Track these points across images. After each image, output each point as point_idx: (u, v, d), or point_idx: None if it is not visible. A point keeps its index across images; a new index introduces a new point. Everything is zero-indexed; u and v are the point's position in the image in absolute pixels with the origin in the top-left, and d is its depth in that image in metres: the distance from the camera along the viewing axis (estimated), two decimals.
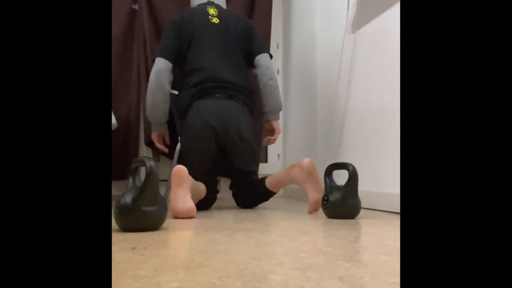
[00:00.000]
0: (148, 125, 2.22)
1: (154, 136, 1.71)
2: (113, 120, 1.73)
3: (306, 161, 1.38)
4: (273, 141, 1.78)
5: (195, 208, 1.26)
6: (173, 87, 1.70)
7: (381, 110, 1.50)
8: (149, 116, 1.65)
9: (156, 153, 2.35)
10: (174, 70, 1.66)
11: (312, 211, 1.37)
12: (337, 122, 1.89)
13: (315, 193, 1.36)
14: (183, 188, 1.27)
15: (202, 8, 1.73)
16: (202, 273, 0.52)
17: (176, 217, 1.25)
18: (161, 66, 1.60)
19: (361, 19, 1.69)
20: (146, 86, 2.22)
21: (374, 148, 1.54)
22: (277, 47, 2.65)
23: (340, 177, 1.72)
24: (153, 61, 1.64)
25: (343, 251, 0.67)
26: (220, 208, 1.70)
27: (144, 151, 2.35)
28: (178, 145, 2.14)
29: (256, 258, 0.61)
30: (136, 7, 2.30)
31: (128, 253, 0.66)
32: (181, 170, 1.27)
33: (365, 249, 0.69)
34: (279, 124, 1.77)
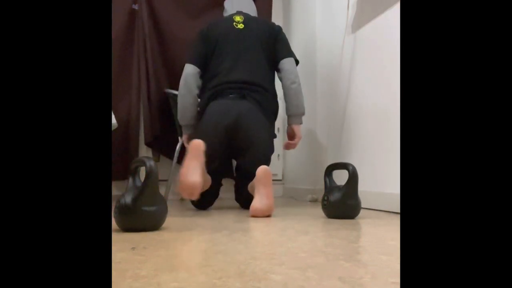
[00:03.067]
0: (148, 125, 2.22)
1: (184, 139, 1.76)
2: (113, 120, 1.73)
3: (260, 168, 1.33)
4: (293, 146, 1.76)
5: (200, 184, 1.27)
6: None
7: (381, 110, 1.50)
8: (179, 119, 1.72)
9: (156, 153, 2.36)
10: (202, 75, 1.72)
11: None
12: (337, 122, 1.89)
13: (259, 202, 1.28)
14: (196, 161, 1.29)
15: (229, 16, 1.79)
16: (202, 273, 0.52)
17: (181, 188, 1.27)
18: (188, 71, 1.69)
19: (361, 19, 1.69)
20: (146, 86, 2.23)
21: (374, 148, 1.54)
22: None
23: (340, 177, 1.72)
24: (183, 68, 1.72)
25: (343, 251, 0.67)
26: (220, 208, 1.70)
27: (144, 151, 2.35)
28: (178, 145, 2.14)
29: (256, 258, 0.61)
30: (136, 7, 2.30)
31: (128, 253, 0.66)
32: (199, 143, 1.30)
33: (365, 249, 0.69)
34: (300, 129, 1.75)
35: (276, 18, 2.65)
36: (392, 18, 1.45)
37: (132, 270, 0.54)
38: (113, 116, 1.72)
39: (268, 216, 1.30)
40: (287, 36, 1.81)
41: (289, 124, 1.75)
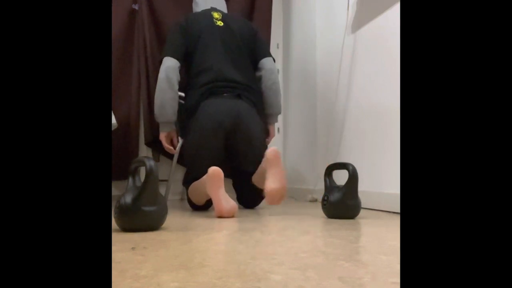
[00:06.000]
0: (148, 125, 2.22)
1: (162, 137, 1.67)
2: (113, 120, 1.73)
3: (269, 149, 1.33)
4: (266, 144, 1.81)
5: (237, 206, 1.29)
6: (179, 89, 1.70)
7: (381, 110, 1.50)
8: (157, 116, 1.62)
9: (156, 153, 2.35)
10: (181, 70, 1.66)
11: (270, 203, 1.30)
12: (337, 122, 1.89)
13: (273, 183, 1.28)
14: (222, 188, 1.29)
15: (206, 12, 1.77)
16: (202, 273, 0.52)
17: (220, 217, 1.27)
18: (170, 65, 1.60)
19: (361, 19, 1.69)
20: (146, 86, 2.23)
21: (374, 148, 1.54)
22: (277, 47, 2.65)
23: (340, 177, 1.72)
24: (160, 61, 1.64)
25: (343, 251, 0.67)
26: None
27: (144, 151, 2.35)
28: (178, 145, 2.14)
29: (256, 258, 0.61)
30: (136, 7, 2.30)
31: (128, 253, 0.66)
32: (218, 171, 1.29)
33: (365, 249, 0.69)
34: (275, 128, 1.83)
35: (276, 18, 2.65)
36: (392, 18, 1.45)
37: (132, 270, 0.54)
38: (113, 116, 1.72)
39: (282, 197, 1.30)
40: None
41: (265, 123, 1.78)
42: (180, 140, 2.13)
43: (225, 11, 1.90)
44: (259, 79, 1.76)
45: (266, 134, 1.81)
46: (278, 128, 2.65)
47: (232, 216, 1.28)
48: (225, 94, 1.59)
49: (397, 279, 0.49)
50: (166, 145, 1.69)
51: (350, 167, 1.18)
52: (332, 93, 1.96)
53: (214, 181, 1.28)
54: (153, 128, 2.24)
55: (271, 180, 1.29)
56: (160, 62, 1.64)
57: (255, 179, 1.53)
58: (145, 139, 2.24)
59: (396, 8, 1.42)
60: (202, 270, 0.54)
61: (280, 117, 2.64)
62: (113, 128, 1.77)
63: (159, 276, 0.51)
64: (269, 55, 1.78)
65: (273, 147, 1.35)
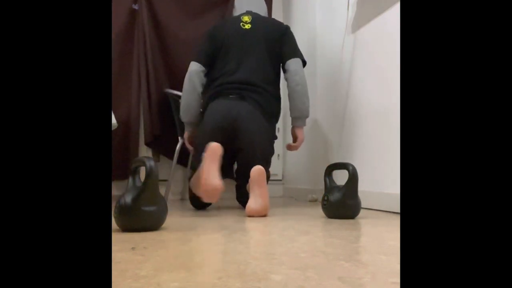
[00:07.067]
0: (148, 125, 2.22)
1: (186, 136, 1.75)
2: (113, 120, 1.73)
3: (254, 168, 1.34)
4: (294, 148, 1.74)
5: (222, 187, 1.29)
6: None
7: (381, 110, 1.50)
8: (182, 116, 1.71)
9: (156, 153, 2.36)
10: (207, 74, 1.72)
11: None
12: (337, 122, 1.89)
13: (254, 203, 1.30)
14: (215, 164, 1.30)
15: (238, 16, 1.79)
16: (202, 273, 0.52)
17: (203, 191, 1.27)
18: (193, 69, 1.69)
19: (361, 19, 1.69)
20: (146, 86, 2.23)
21: (374, 148, 1.54)
22: None
23: (340, 177, 1.72)
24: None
25: (343, 251, 0.67)
26: (220, 208, 1.70)
27: (144, 151, 2.35)
28: (178, 145, 2.14)
29: (256, 258, 0.61)
30: (136, 7, 2.30)
31: (128, 253, 0.66)
32: (216, 146, 1.31)
33: (365, 249, 0.69)
34: (303, 131, 1.73)
35: (276, 18, 2.64)
36: (392, 18, 1.45)
37: (132, 270, 0.54)
38: (113, 116, 1.72)
39: (264, 215, 1.30)
40: None
41: (292, 126, 1.75)
42: (180, 140, 2.13)
43: (263, 12, 1.88)
44: (286, 81, 1.73)
45: (294, 138, 1.73)
46: (278, 128, 2.65)
47: (215, 199, 1.28)
48: (230, 96, 1.62)
49: (397, 279, 0.49)
50: (188, 145, 1.76)
51: (350, 167, 1.18)
52: (332, 93, 1.96)
53: (209, 154, 1.30)
54: (153, 128, 2.24)
55: (253, 200, 1.31)
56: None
57: (248, 188, 1.54)
58: (145, 139, 2.24)
59: (396, 8, 1.42)
60: (202, 270, 0.54)
61: (280, 117, 2.64)
62: (113, 128, 1.77)
63: (159, 276, 0.51)
64: (296, 56, 1.72)
65: (258, 166, 1.34)
